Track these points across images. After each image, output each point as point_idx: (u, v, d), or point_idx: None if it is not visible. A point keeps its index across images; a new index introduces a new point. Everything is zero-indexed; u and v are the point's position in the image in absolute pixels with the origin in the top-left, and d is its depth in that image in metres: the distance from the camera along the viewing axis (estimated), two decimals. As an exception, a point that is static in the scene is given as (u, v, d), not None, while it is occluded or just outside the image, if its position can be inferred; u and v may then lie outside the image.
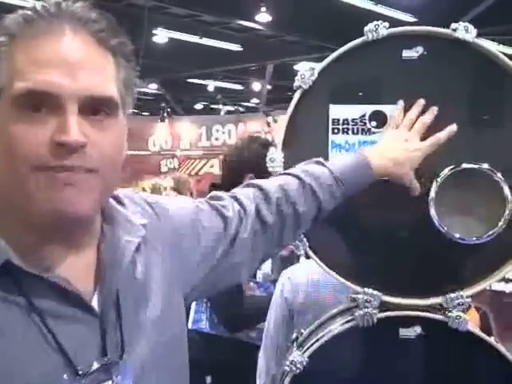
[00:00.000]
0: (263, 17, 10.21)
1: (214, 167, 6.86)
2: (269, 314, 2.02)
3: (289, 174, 1.28)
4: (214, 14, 10.19)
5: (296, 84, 1.35)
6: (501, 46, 9.94)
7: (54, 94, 0.87)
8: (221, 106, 15.66)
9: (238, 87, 16.03)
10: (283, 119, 1.40)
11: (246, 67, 13.33)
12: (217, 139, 7.48)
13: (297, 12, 9.14)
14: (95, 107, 0.91)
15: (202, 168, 7.61)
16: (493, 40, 9.57)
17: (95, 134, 0.90)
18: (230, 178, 2.53)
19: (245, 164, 2.44)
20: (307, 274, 1.93)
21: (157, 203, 1.14)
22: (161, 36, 11.40)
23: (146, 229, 1.06)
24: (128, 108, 1.00)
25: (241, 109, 17.13)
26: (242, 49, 11.91)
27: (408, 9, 8.32)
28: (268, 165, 1.38)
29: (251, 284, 2.43)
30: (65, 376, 0.90)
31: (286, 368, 1.42)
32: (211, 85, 15.88)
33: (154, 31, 10.98)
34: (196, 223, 1.15)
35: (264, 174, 2.37)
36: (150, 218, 1.10)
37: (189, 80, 15.17)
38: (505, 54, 1.35)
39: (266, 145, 2.43)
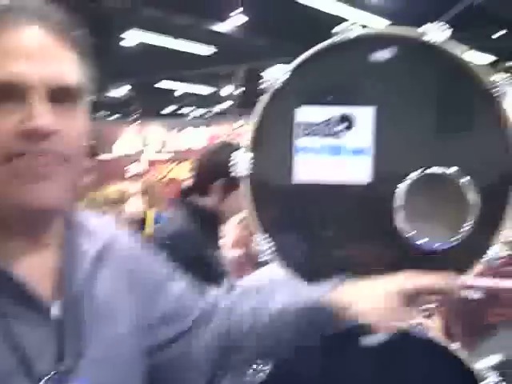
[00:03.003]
0: (234, 20, 10.23)
1: (182, 171, 6.81)
2: None
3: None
4: (186, 17, 10.17)
5: (264, 86, 1.33)
6: (472, 51, 10.11)
7: (18, 84, 0.88)
8: (189, 110, 15.63)
9: (210, 91, 16.01)
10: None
11: (217, 71, 13.33)
12: (185, 143, 7.45)
13: (270, 16, 9.17)
14: (60, 96, 0.91)
15: (169, 172, 7.56)
16: (465, 45, 9.72)
17: (62, 123, 0.90)
18: (200, 183, 2.52)
19: (216, 168, 2.42)
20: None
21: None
22: (131, 39, 11.32)
23: (109, 245, 1.06)
24: (86, 101, 0.99)
25: (210, 113, 17.11)
26: (213, 52, 11.91)
27: (382, 13, 8.40)
28: (234, 168, 1.36)
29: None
30: (20, 379, 0.88)
31: (248, 378, 1.39)
32: (182, 88, 15.84)
33: (123, 34, 10.91)
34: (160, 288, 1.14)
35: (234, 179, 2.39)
36: (116, 240, 1.10)
37: (159, 83, 15.10)
38: (479, 62, 1.35)
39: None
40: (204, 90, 15.83)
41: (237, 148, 2.58)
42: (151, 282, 1.14)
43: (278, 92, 1.34)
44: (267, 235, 1.37)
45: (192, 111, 16.98)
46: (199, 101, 16.94)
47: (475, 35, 9.83)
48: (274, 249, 1.36)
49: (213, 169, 2.45)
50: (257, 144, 1.36)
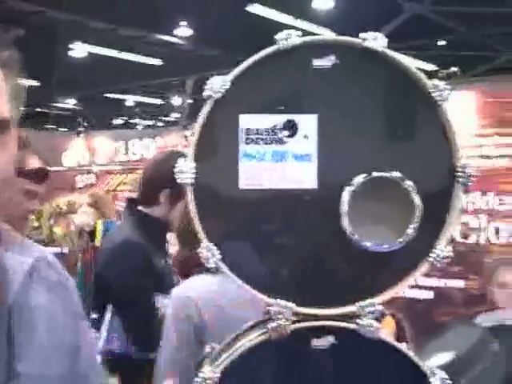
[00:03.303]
0: (183, 31, 10.21)
1: (132, 182, 6.75)
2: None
3: None
4: (133, 28, 10.10)
5: (206, 94, 1.33)
6: (416, 60, 10.34)
7: None
8: (138, 121, 15.52)
9: (159, 102, 15.93)
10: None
11: (166, 82, 13.27)
12: (134, 154, 7.38)
13: (217, 26, 9.17)
14: None
15: (120, 183, 7.48)
16: (408, 54, 9.94)
17: None
18: (148, 193, 2.53)
19: (162, 178, 2.43)
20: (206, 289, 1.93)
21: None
22: (79, 50, 11.17)
23: (40, 263, 1.05)
24: (17, 120, 0.98)
25: (160, 123, 17.02)
26: (162, 63, 11.85)
27: (327, 24, 8.51)
28: (177, 176, 1.35)
29: (166, 301, 2.40)
30: None
31: (196, 387, 1.38)
32: (130, 100, 15.72)
33: (71, 45, 10.77)
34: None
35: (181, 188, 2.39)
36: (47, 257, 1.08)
37: (108, 95, 14.95)
38: (420, 69, 1.38)
39: None
40: (154, 100, 15.76)
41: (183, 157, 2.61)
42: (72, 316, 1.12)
43: (220, 100, 1.34)
44: (213, 243, 1.37)
45: (142, 122, 16.86)
46: (149, 112, 16.84)
47: (418, 45, 10.07)
48: (219, 256, 1.36)
49: (159, 178, 2.47)
50: (200, 152, 1.36)
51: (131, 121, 17.55)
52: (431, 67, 10.58)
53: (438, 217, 1.42)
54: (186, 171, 1.34)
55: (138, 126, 15.87)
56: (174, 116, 16.57)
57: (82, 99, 15.18)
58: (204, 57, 11.18)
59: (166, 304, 2.32)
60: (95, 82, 13.03)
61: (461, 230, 4.56)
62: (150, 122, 17.34)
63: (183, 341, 1.99)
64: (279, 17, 8.57)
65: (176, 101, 14.99)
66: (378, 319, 2.78)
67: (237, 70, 1.34)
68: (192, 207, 1.35)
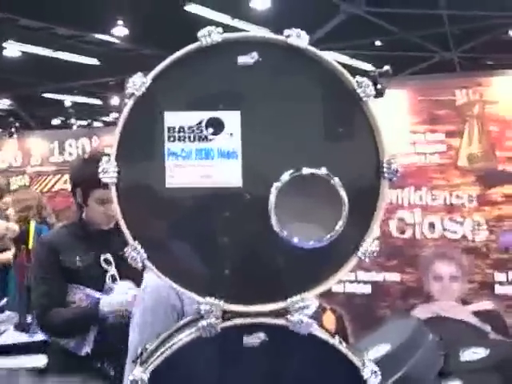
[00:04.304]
0: (120, 30, 10.08)
1: (68, 183, 6.65)
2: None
3: None
4: (68, 27, 9.91)
5: (128, 91, 1.31)
6: (353, 60, 10.50)
7: None
8: (76, 122, 15.24)
9: (97, 102, 15.67)
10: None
11: (104, 81, 13.07)
12: (70, 154, 7.21)
13: (153, 26, 9.09)
14: None
15: (55, 184, 7.31)
16: (345, 54, 10.08)
17: None
18: (76, 195, 2.56)
19: (88, 180, 2.42)
20: None
21: None
22: (11, 49, 10.88)
23: None
24: None
25: (99, 124, 16.75)
26: (99, 63, 11.67)
27: (263, 23, 8.54)
28: (101, 176, 1.33)
29: (82, 295, 2.50)
30: None
31: (128, 386, 1.36)
32: (68, 100, 15.41)
33: (3, 44, 10.47)
34: None
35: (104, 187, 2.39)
36: None
37: (44, 95, 14.62)
38: (355, 68, 1.38)
39: None
40: (92, 100, 15.50)
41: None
42: None
43: (142, 98, 1.32)
44: (139, 243, 1.35)
45: (81, 123, 16.56)
46: (88, 112, 16.55)
47: (355, 45, 10.23)
48: (145, 256, 1.34)
49: (86, 179, 2.48)
50: (124, 151, 1.34)
51: (70, 121, 17.22)
52: (368, 67, 10.76)
53: (365, 212, 1.43)
54: (109, 171, 1.32)
55: (76, 126, 15.58)
56: (112, 116, 16.34)
57: (18, 99, 14.80)
58: (142, 56, 11.06)
59: (81, 297, 2.50)
60: (30, 81, 12.71)
61: (397, 225, 4.65)
62: (88, 123, 17.05)
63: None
64: (217, 16, 8.56)
65: (115, 100, 14.78)
66: (318, 314, 2.81)
67: (158, 68, 1.32)
68: (116, 207, 1.33)
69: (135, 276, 2.37)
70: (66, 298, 2.52)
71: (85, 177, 2.48)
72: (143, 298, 1.89)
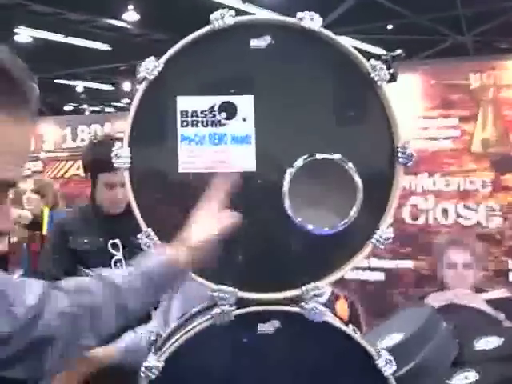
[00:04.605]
0: (131, 15, 10.03)
1: (81, 169, 6.67)
2: None
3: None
4: (80, 13, 9.88)
5: (140, 75, 1.29)
6: (364, 44, 10.41)
7: None
8: (88, 107, 15.25)
9: (108, 87, 15.67)
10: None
11: (115, 67, 13.05)
12: (83, 140, 7.21)
13: (164, 10, 9.04)
14: None
15: (68, 170, 7.31)
16: (356, 38, 9.99)
17: None
18: (88, 177, 2.55)
19: (97, 163, 2.42)
20: None
21: None
22: (23, 35, 10.87)
23: None
24: None
25: (111, 109, 16.76)
26: (110, 48, 11.64)
27: (274, 7, 8.47)
28: (114, 161, 1.31)
29: None
30: None
31: (142, 374, 1.35)
32: (80, 85, 15.42)
33: (15, 30, 10.46)
34: None
35: (115, 170, 2.38)
36: None
37: (56, 81, 14.62)
38: (367, 52, 1.36)
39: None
40: (104, 86, 15.50)
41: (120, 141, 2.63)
42: None
43: (155, 82, 1.30)
44: (152, 228, 1.33)
45: (92, 108, 16.58)
46: (99, 98, 16.56)
47: (366, 29, 10.13)
48: (158, 242, 1.33)
49: (94, 163, 2.47)
50: (137, 136, 1.32)
51: (82, 107, 17.23)
52: (379, 51, 10.67)
53: (379, 198, 1.41)
54: (122, 156, 1.31)
55: (87, 112, 15.61)
56: (124, 102, 16.33)
57: (29, 86, 14.79)
58: (152, 41, 11.02)
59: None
60: (42, 67, 12.70)
61: (410, 211, 4.62)
62: (101, 108, 17.06)
63: None
64: (228, 1, 8.50)
65: (126, 86, 14.77)
66: (332, 301, 2.79)
67: (171, 51, 1.30)
68: (130, 192, 1.32)
69: None
70: None
71: (92, 161, 2.48)
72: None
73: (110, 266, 2.49)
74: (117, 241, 2.51)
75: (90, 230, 2.55)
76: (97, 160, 2.43)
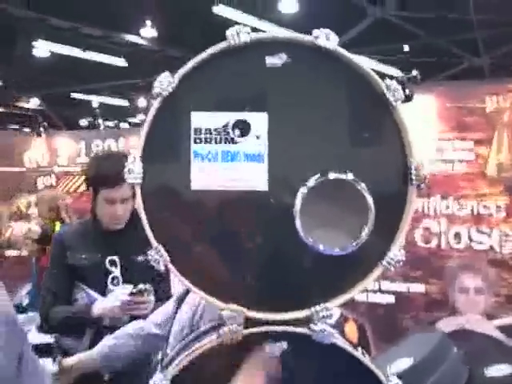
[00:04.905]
0: (148, 31, 10.13)
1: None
2: None
3: None
4: (97, 28, 9.98)
5: (155, 91, 1.29)
6: (379, 64, 10.43)
7: None
8: (104, 122, 15.36)
9: (124, 103, 15.78)
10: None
11: (131, 83, 13.15)
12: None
13: (181, 27, 9.12)
14: None
15: (81, 185, 7.33)
16: (372, 59, 10.02)
17: None
18: (90, 191, 2.52)
19: (99, 179, 2.42)
20: None
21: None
22: (42, 49, 10.99)
23: None
24: None
25: (123, 124, 16.86)
26: (127, 64, 11.73)
27: (290, 25, 8.52)
28: (126, 176, 1.31)
29: (83, 294, 2.48)
30: None
31: (151, 387, 1.34)
32: (95, 100, 15.54)
33: (34, 43, 10.58)
34: None
35: (116, 186, 2.31)
36: None
37: (72, 95, 14.75)
38: (382, 73, 1.35)
39: (121, 157, 2.44)
40: (120, 102, 15.61)
41: (125, 157, 2.65)
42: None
43: (169, 98, 1.30)
44: (162, 245, 1.32)
45: (108, 124, 16.68)
46: (115, 113, 16.68)
47: (382, 50, 10.15)
48: (168, 259, 1.32)
49: (96, 178, 2.45)
50: (150, 152, 1.32)
51: (97, 122, 17.36)
52: (395, 72, 10.68)
53: (391, 219, 1.40)
54: (134, 171, 1.30)
55: (103, 126, 15.71)
56: (139, 118, 16.43)
57: (46, 99, 14.95)
58: (169, 58, 11.10)
59: (81, 296, 2.46)
60: (59, 81, 12.84)
61: (422, 234, 4.58)
62: (116, 123, 17.16)
63: None
64: (244, 19, 8.56)
65: (141, 102, 14.87)
66: (340, 323, 2.76)
67: (186, 67, 1.30)
68: (140, 208, 1.31)
69: (144, 281, 2.35)
70: (71, 297, 2.49)
71: (94, 175, 2.45)
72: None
73: (106, 283, 2.46)
74: (115, 258, 2.48)
75: (88, 245, 2.51)
76: (99, 175, 2.42)
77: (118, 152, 2.76)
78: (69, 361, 2.17)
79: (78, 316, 2.42)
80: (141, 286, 2.33)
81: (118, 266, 2.48)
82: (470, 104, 4.60)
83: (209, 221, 1.35)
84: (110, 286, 2.45)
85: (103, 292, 2.45)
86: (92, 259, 2.48)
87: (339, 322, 2.75)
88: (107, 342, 2.13)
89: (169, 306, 2.01)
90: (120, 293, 2.38)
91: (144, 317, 2.19)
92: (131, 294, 2.33)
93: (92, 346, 2.30)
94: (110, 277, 2.47)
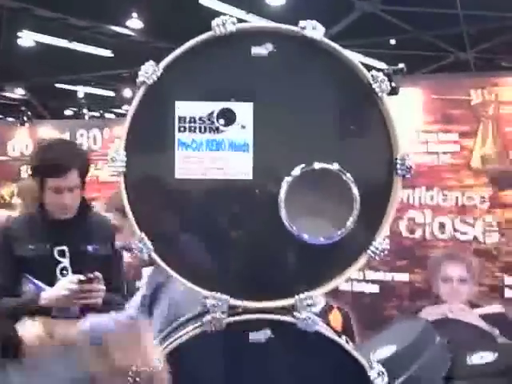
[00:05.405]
0: (134, 23, 10.06)
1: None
2: None
3: None
4: (83, 19, 9.90)
5: (139, 80, 1.29)
6: (366, 58, 10.44)
7: None
8: (89, 113, 15.26)
9: (110, 94, 15.69)
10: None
11: (117, 73, 13.07)
12: (81, 144, 7.18)
13: (168, 19, 9.08)
14: None
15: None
16: (359, 52, 10.03)
17: None
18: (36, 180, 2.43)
19: (44, 168, 2.34)
20: None
21: None
22: (27, 39, 10.89)
23: None
24: None
25: (109, 115, 16.76)
26: (113, 55, 11.66)
27: (278, 19, 8.51)
28: (109, 165, 1.30)
29: (31, 286, 2.38)
30: None
31: (129, 379, 1.34)
32: (81, 91, 15.44)
33: (19, 33, 10.49)
34: None
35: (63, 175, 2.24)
36: None
37: (57, 85, 14.64)
38: (369, 66, 1.36)
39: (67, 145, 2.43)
40: (106, 92, 15.51)
41: (72, 145, 2.58)
42: None
43: (153, 87, 1.30)
44: (146, 234, 1.33)
45: (93, 114, 16.57)
46: (100, 103, 16.57)
47: (368, 43, 10.16)
48: (152, 247, 1.32)
49: (41, 168, 2.35)
50: (134, 140, 1.31)
51: (82, 112, 17.23)
52: (381, 65, 10.69)
53: (377, 209, 1.41)
54: (117, 159, 1.30)
55: (87, 116, 15.60)
56: (125, 108, 16.32)
57: (31, 89, 14.82)
58: (156, 49, 11.03)
59: (29, 287, 2.36)
60: (44, 71, 12.72)
61: (407, 224, 4.61)
62: (100, 113, 17.05)
63: None
64: (231, 10, 8.52)
65: (127, 93, 14.78)
66: (324, 312, 2.77)
67: (170, 56, 1.30)
68: (124, 196, 1.31)
69: (92, 271, 2.28)
70: (19, 288, 2.39)
71: (40, 165, 2.35)
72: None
73: (55, 274, 2.38)
74: (64, 248, 2.41)
75: (36, 235, 2.44)
76: (45, 164, 2.34)
77: (65, 140, 2.65)
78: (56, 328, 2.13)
79: (25, 306, 2.30)
80: (90, 275, 2.26)
81: (67, 256, 2.41)
82: (455, 96, 4.62)
83: (193, 210, 1.36)
84: (60, 277, 2.38)
85: (52, 283, 2.36)
86: (40, 250, 2.40)
87: (324, 311, 2.76)
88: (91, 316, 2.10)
89: (137, 298, 1.99)
90: (68, 281, 2.30)
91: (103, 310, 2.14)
92: (80, 282, 2.26)
93: None
94: (59, 267, 2.40)
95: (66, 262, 2.41)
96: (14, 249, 2.40)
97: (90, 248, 2.41)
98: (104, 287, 2.30)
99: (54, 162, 2.33)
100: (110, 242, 2.47)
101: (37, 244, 2.41)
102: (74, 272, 2.37)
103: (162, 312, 1.92)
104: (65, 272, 2.39)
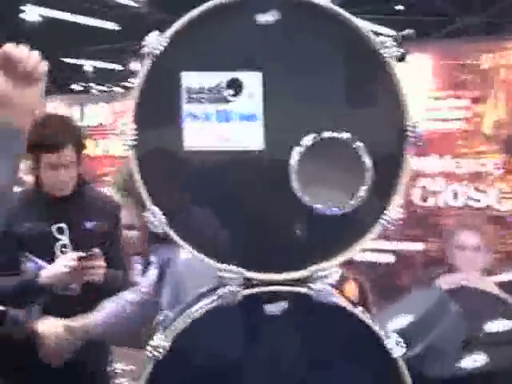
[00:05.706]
0: (138, -6, 9.99)
1: (89, 149, 6.58)
2: None
3: None
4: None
5: (145, 51, 1.26)
6: (373, 24, 10.31)
7: None
8: (96, 86, 15.23)
9: (117, 67, 15.63)
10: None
11: (124, 46, 13.00)
12: (89, 120, 7.14)
13: (173, -11, 8.98)
14: None
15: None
16: (365, 19, 9.90)
17: None
18: (32, 156, 2.38)
19: (39, 144, 2.29)
20: None
21: None
22: (31, 13, 10.83)
23: None
24: None
25: (119, 89, 16.70)
26: (119, 27, 11.58)
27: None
28: (122, 138, 1.28)
29: (31, 264, 2.36)
30: None
31: (148, 353, 1.34)
32: (88, 65, 15.38)
33: (23, 8, 10.43)
34: None
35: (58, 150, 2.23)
36: None
37: (64, 59, 14.59)
38: (376, 33, 1.33)
39: (61, 120, 2.40)
40: (112, 65, 15.46)
41: (67, 120, 2.41)
42: None
43: (160, 58, 1.28)
44: (159, 207, 1.31)
45: (100, 88, 16.54)
46: (108, 77, 16.52)
47: (375, 9, 10.02)
48: (165, 221, 1.31)
49: (37, 144, 2.28)
50: (142, 111, 1.29)
51: (90, 86, 17.18)
52: (389, 32, 10.56)
53: (388, 178, 1.39)
54: (127, 133, 1.28)
55: (96, 90, 15.57)
56: (132, 81, 16.26)
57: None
58: (161, 21, 10.96)
59: (28, 266, 2.34)
60: (50, 45, 12.65)
61: (419, 193, 4.58)
62: (109, 87, 17.00)
63: None
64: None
65: (134, 66, 14.71)
66: (340, 283, 2.77)
67: (176, 26, 1.27)
68: (135, 169, 1.29)
69: (93, 247, 2.27)
70: (19, 267, 2.36)
71: (35, 141, 2.25)
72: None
73: (54, 251, 2.37)
74: (63, 225, 2.39)
75: (33, 213, 2.40)
76: (39, 140, 2.28)
77: (60, 115, 2.58)
78: (74, 323, 2.12)
79: (25, 286, 2.29)
80: (89, 251, 2.24)
81: (67, 233, 2.39)
82: (464, 61, 4.55)
83: (203, 181, 1.34)
84: (59, 254, 2.36)
85: (52, 261, 2.33)
86: (38, 227, 2.37)
87: (339, 282, 2.75)
88: (107, 308, 2.10)
89: (150, 273, 1.99)
90: (68, 258, 2.27)
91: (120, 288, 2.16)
92: (79, 258, 2.24)
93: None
94: (59, 244, 2.38)
95: (65, 239, 2.39)
96: (12, 228, 2.33)
97: (89, 225, 2.39)
98: (104, 264, 2.29)
99: (49, 137, 2.30)
100: (113, 218, 2.45)
101: (35, 222, 2.37)
102: (74, 249, 2.35)
103: (171, 288, 1.92)
104: (65, 250, 2.36)
